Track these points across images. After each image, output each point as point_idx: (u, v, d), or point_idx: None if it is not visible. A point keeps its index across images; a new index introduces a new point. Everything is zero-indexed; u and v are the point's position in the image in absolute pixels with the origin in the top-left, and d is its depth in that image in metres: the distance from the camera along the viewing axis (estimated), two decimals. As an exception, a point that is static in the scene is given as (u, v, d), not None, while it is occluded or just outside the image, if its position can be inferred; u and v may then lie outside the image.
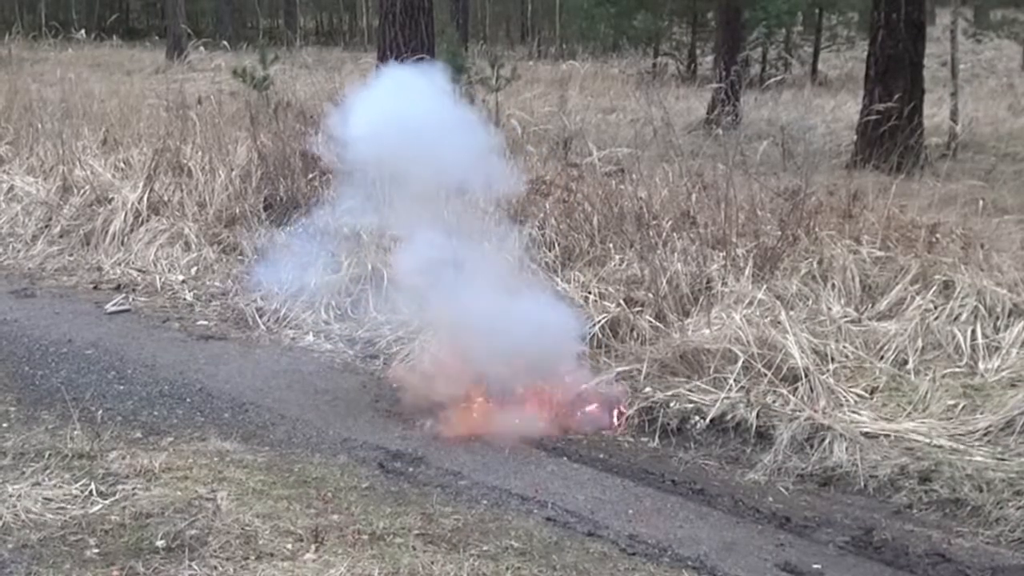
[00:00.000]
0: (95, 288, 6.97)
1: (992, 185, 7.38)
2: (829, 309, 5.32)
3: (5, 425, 4.51)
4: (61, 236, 7.77)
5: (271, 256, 6.57)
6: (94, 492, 3.78)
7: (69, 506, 3.68)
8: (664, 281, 5.57)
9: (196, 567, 3.28)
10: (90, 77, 13.13)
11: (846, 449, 4.36)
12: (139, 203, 7.66)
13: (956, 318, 5.16)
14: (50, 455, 4.10)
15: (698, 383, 4.87)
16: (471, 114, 5.43)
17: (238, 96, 9.97)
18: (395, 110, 4.73)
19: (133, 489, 3.83)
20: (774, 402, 4.68)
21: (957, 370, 4.85)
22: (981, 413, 4.52)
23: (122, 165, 8.51)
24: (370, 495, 3.97)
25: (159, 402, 4.95)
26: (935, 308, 5.23)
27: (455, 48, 10.69)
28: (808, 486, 4.30)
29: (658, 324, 5.37)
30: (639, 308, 5.52)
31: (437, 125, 4.75)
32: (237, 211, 7.41)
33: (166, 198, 7.77)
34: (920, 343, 5.01)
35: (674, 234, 6.04)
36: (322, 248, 6.44)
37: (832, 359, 4.93)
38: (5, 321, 6.21)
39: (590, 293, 5.65)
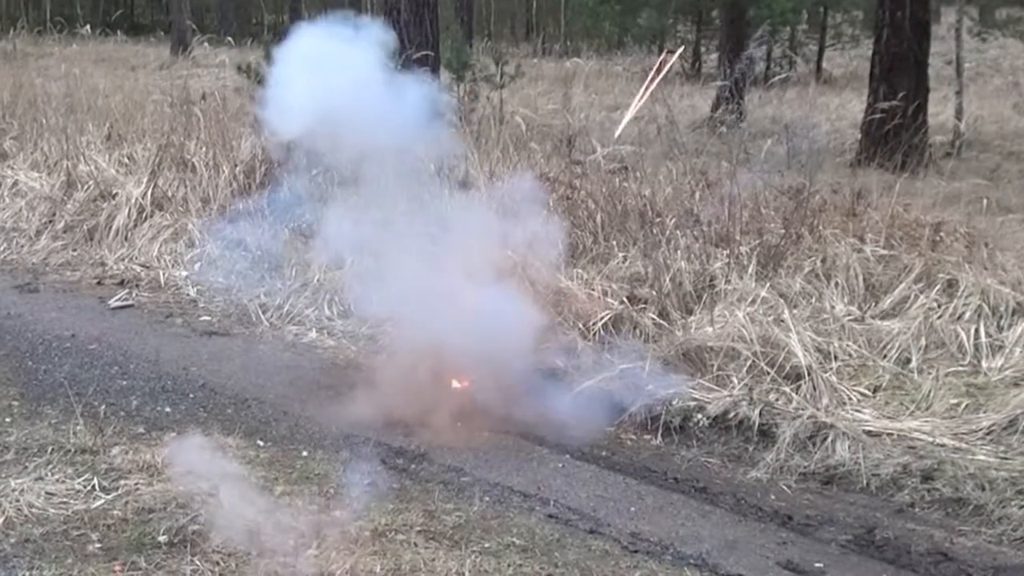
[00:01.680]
0: (99, 283, 6.98)
1: (996, 184, 7.38)
2: (832, 307, 5.32)
3: (8, 420, 4.51)
4: (65, 231, 7.77)
5: (274, 251, 6.56)
6: (97, 487, 3.78)
7: (72, 501, 3.69)
8: (667, 278, 5.56)
9: (198, 562, 3.29)
10: (94, 72, 13.13)
11: (849, 447, 4.35)
12: (143, 198, 7.67)
13: (959, 317, 5.16)
14: (53, 450, 4.11)
15: (701, 381, 4.87)
16: (398, 74, 4.95)
17: (242, 92, 9.97)
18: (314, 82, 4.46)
19: (135, 484, 3.83)
20: (777, 400, 4.68)
21: (960, 369, 4.85)
22: (984, 412, 4.52)
23: (126, 160, 8.51)
24: (372, 492, 3.97)
25: (162, 397, 4.95)
26: (939, 307, 5.22)
27: (459, 45, 10.69)
28: (810, 484, 4.30)
29: (661, 321, 5.37)
30: (642, 305, 5.51)
31: (360, 88, 4.49)
32: (241, 207, 7.41)
33: (170, 194, 7.78)
34: (923, 342, 5.01)
35: (677, 232, 6.02)
36: (324, 244, 6.42)
37: (835, 357, 4.92)
38: (9, 316, 6.22)
39: (593, 290, 5.64)
